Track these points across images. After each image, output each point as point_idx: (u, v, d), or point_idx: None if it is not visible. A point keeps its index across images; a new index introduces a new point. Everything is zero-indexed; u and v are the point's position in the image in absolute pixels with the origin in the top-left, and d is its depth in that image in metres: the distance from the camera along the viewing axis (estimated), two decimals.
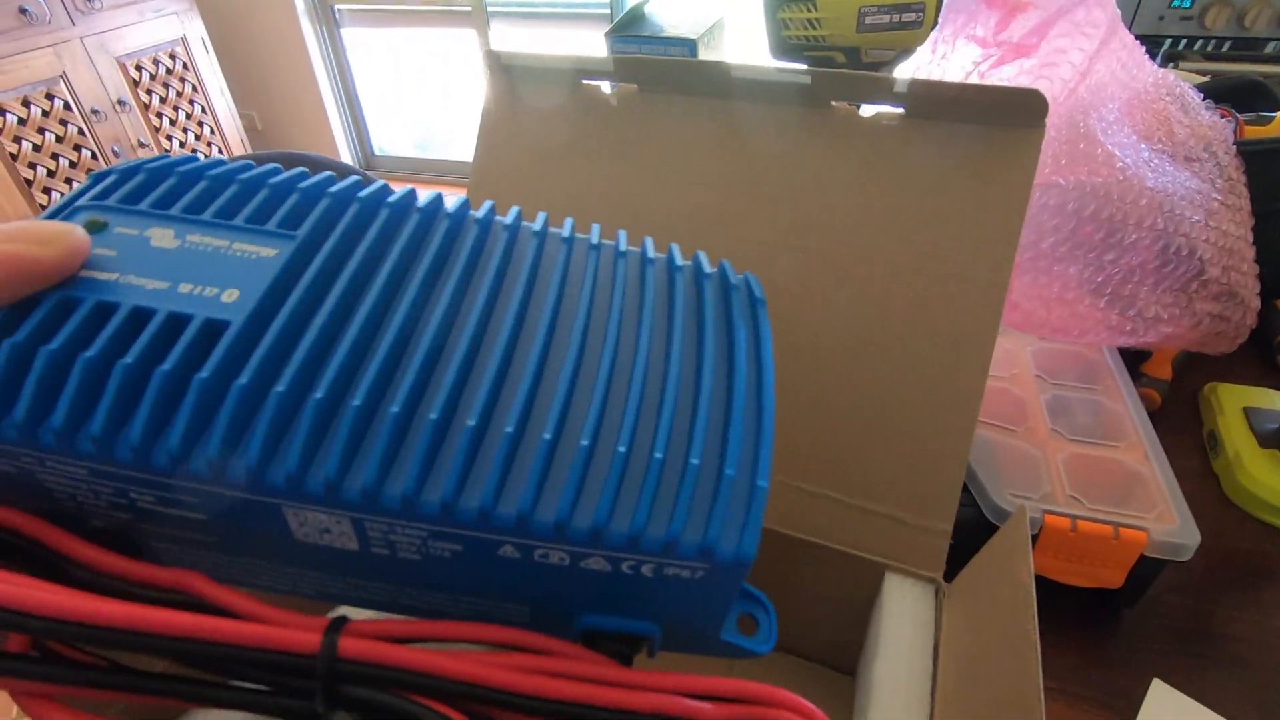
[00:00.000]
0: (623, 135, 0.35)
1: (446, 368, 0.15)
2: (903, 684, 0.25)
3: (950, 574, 0.29)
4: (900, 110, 0.30)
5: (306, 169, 0.19)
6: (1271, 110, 0.54)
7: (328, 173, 0.19)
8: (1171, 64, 0.91)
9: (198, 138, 2.03)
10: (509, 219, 0.19)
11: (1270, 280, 0.44)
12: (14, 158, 1.56)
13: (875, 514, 0.30)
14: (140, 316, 0.15)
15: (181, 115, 1.98)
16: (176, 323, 0.15)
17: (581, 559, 0.15)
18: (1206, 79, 0.66)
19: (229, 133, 2.11)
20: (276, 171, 0.18)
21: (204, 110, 2.03)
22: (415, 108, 2.46)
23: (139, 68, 1.84)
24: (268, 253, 0.16)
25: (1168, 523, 0.33)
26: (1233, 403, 0.46)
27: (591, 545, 0.14)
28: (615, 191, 0.35)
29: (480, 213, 0.19)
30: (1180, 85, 0.47)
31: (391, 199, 0.18)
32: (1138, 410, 0.41)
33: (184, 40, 1.94)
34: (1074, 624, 0.36)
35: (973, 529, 0.34)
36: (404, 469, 0.14)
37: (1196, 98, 0.48)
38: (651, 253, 0.20)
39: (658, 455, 0.15)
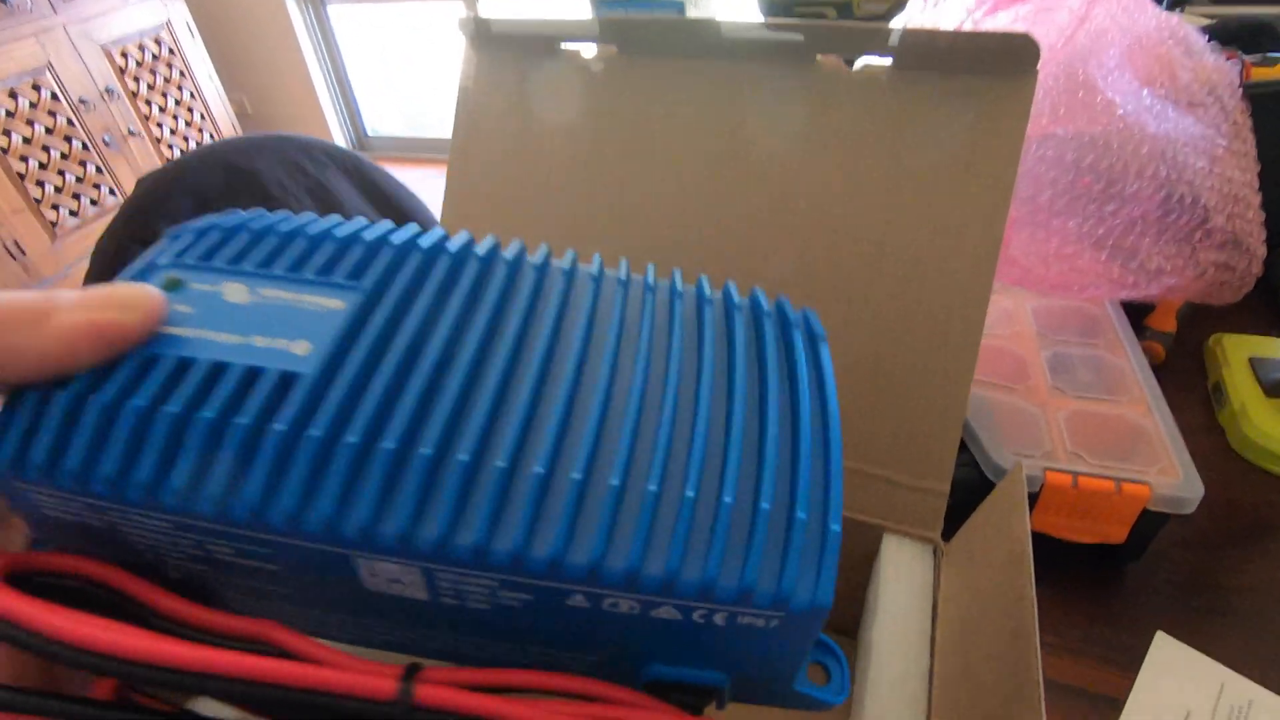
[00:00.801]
0: (607, 102, 0.34)
1: (511, 414, 0.15)
2: (902, 644, 0.25)
3: (951, 533, 0.28)
4: (888, 62, 0.29)
5: (365, 219, 0.19)
6: (1279, 51, 0.52)
7: (387, 223, 0.19)
8: (1179, 7, 0.88)
9: (188, 124, 2.01)
10: (565, 263, 0.20)
11: (1275, 227, 0.43)
12: (4, 151, 1.55)
13: (873, 476, 0.30)
14: (217, 371, 0.15)
15: (171, 102, 1.95)
16: (252, 376, 0.15)
17: (652, 608, 0.15)
18: (1212, 22, 0.64)
19: (219, 118, 2.09)
20: (341, 224, 0.19)
21: (193, 96, 2.01)
22: (406, 85, 2.43)
23: (125, 55, 1.81)
24: (335, 304, 0.17)
25: (1170, 476, 0.33)
26: (1238, 353, 0.45)
27: (663, 594, 0.14)
28: (601, 163, 0.34)
29: (537, 258, 0.19)
30: (1184, 28, 0.46)
31: (452, 247, 0.19)
32: (1140, 364, 0.40)
33: (168, 25, 1.91)
34: (1077, 580, 0.36)
35: (974, 489, 0.34)
36: (474, 519, 0.14)
37: (1201, 40, 0.46)
38: (709, 292, 0.20)
39: (727, 500, 0.15)
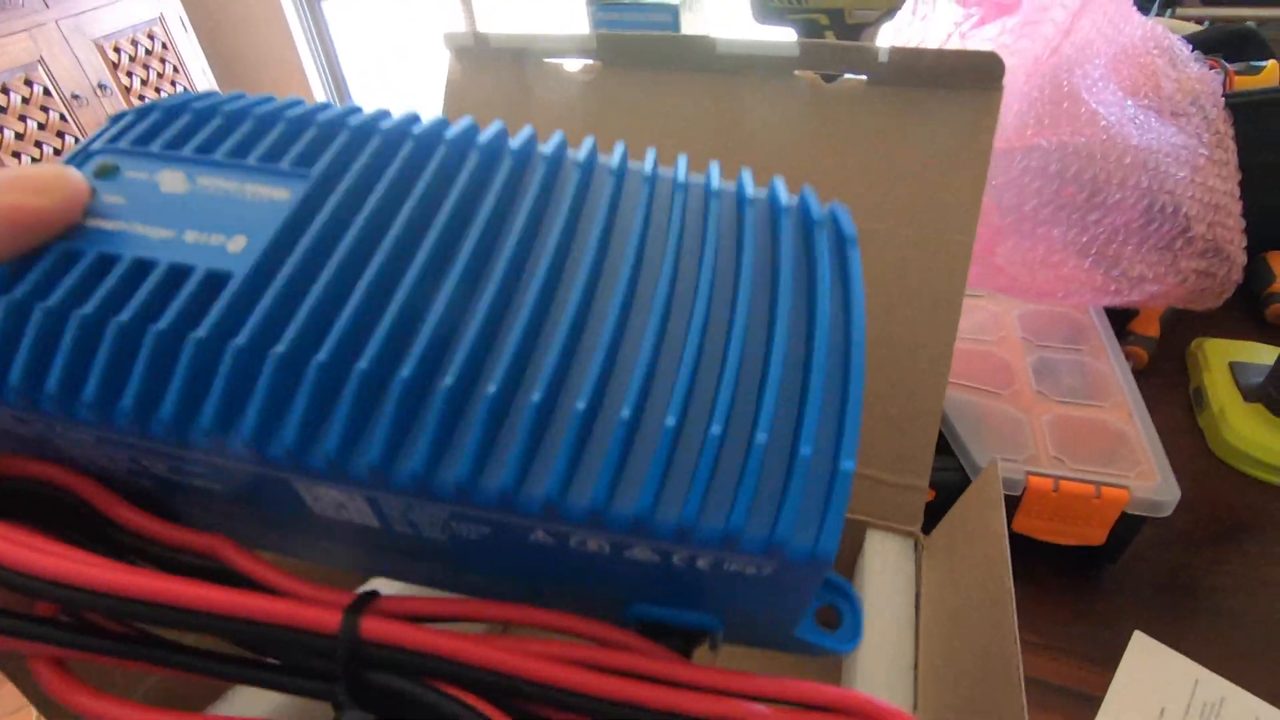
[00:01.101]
0: (595, 114, 0.35)
1: (468, 324, 0.14)
2: (888, 634, 0.26)
3: (931, 529, 0.29)
4: (864, 78, 0.30)
5: (330, 103, 0.17)
6: (1262, 59, 0.53)
7: (353, 104, 0.17)
8: (1169, 10, 0.89)
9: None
10: (549, 147, 0.17)
11: (1257, 234, 0.44)
12: None
13: (856, 474, 0.31)
14: (142, 269, 0.14)
15: (164, 96, 1.94)
16: (177, 275, 0.14)
17: (625, 549, 0.13)
18: (1202, 27, 0.65)
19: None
20: (298, 104, 0.17)
21: (186, 91, 2.00)
22: (401, 82, 2.42)
23: (117, 49, 1.80)
24: (280, 195, 0.15)
25: (1149, 480, 0.34)
26: (1219, 358, 0.46)
27: (634, 535, 0.13)
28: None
29: (517, 142, 0.17)
30: (1169, 37, 0.47)
31: (418, 129, 0.16)
32: (1123, 370, 0.41)
33: (161, 19, 1.90)
34: (1057, 581, 0.37)
35: (957, 492, 0.35)
36: (415, 445, 0.12)
37: (1185, 50, 0.47)
38: (716, 183, 0.17)
39: (715, 430, 0.13)
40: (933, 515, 0.31)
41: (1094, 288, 0.40)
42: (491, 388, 0.13)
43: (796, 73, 0.31)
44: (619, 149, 0.18)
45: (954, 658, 0.23)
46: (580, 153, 0.17)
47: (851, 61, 0.30)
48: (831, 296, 0.15)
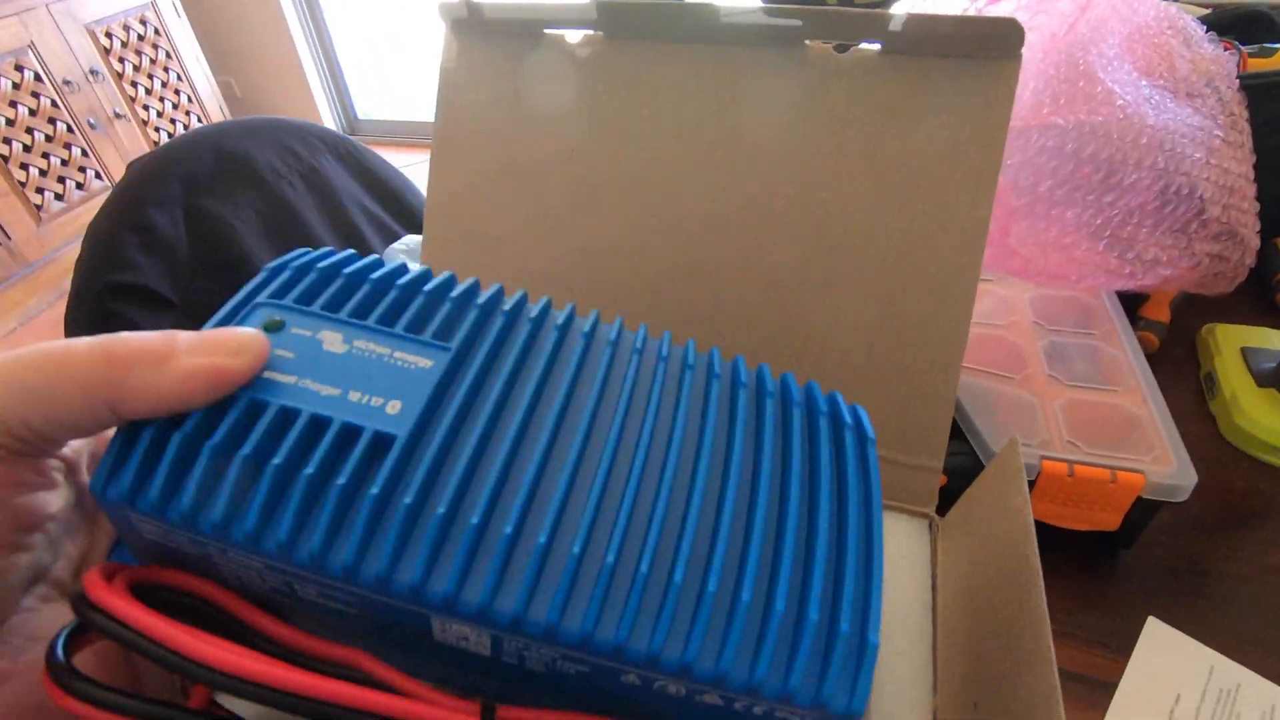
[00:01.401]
0: (595, 87, 0.34)
1: (586, 495, 0.16)
2: (904, 615, 0.26)
3: (946, 511, 0.29)
4: (877, 47, 0.29)
5: (454, 274, 0.20)
6: (1276, 42, 0.52)
7: (473, 280, 0.20)
8: None
9: (175, 106, 1.98)
10: (639, 340, 0.20)
11: (1269, 218, 0.44)
12: None
13: None
14: (318, 425, 0.16)
15: (157, 84, 1.92)
16: (349, 434, 0.16)
17: (699, 694, 0.16)
18: (1209, 11, 0.64)
19: (207, 100, 2.06)
20: (428, 277, 0.20)
21: (179, 78, 1.98)
22: (397, 68, 2.40)
23: (109, 35, 1.78)
24: (424, 363, 0.18)
25: (1165, 465, 0.33)
26: (1230, 343, 0.45)
27: (712, 687, 0.15)
28: (589, 150, 0.34)
29: (613, 332, 0.20)
30: (1183, 18, 0.46)
31: (533, 313, 0.20)
32: (1136, 354, 0.40)
33: (153, 4, 1.88)
34: (1070, 566, 0.36)
35: (970, 477, 0.34)
36: (547, 598, 0.15)
37: (1199, 30, 0.46)
38: (771, 385, 0.20)
39: (779, 607, 0.16)
40: (945, 501, 0.30)
41: (1108, 271, 0.40)
42: (609, 558, 0.16)
43: (807, 43, 0.30)
44: (690, 347, 0.21)
45: (976, 638, 0.22)
46: (662, 345, 0.21)
47: (864, 30, 0.29)
48: (859, 495, 0.18)
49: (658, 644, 0.15)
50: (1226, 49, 0.47)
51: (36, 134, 1.63)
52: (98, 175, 1.80)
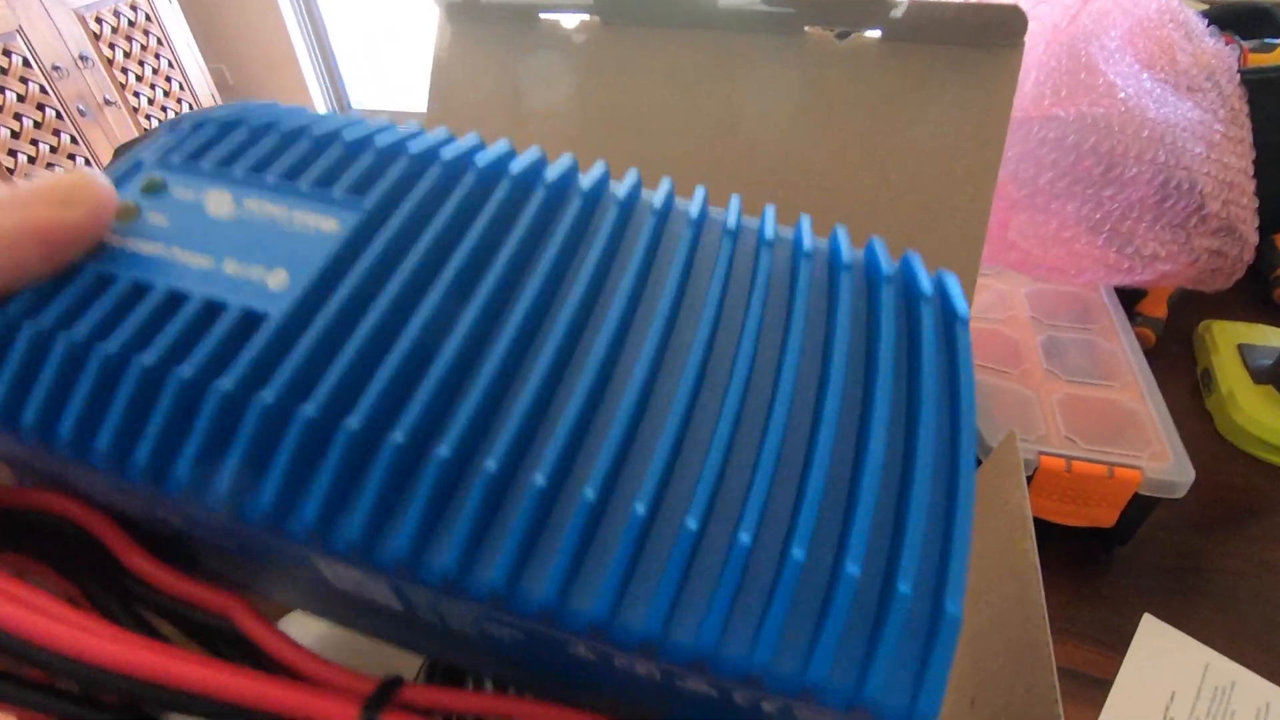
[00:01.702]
0: (591, 74, 0.33)
1: (517, 398, 0.12)
2: None
3: None
4: (878, 34, 0.29)
5: (393, 122, 0.16)
6: (1277, 37, 0.52)
7: (414, 125, 0.16)
8: None
9: (166, 93, 1.96)
10: (622, 190, 0.15)
11: (1267, 214, 0.43)
12: None
13: None
14: (174, 302, 0.13)
15: (148, 70, 1.90)
16: (210, 313, 0.13)
17: (677, 678, 0.12)
18: (1210, 6, 0.64)
19: (199, 88, 2.04)
20: (358, 124, 0.16)
21: (171, 64, 1.95)
22: (391, 56, 2.38)
23: (99, 20, 1.76)
24: (328, 225, 0.14)
25: (1162, 461, 0.33)
26: (1227, 340, 0.45)
27: (691, 669, 0.11)
28: (584, 140, 0.33)
29: (588, 182, 0.15)
30: (1184, 11, 0.46)
31: (482, 160, 0.15)
32: (1133, 349, 0.40)
33: None
34: (1065, 562, 0.36)
35: None
36: (448, 537, 0.11)
37: (1201, 24, 0.46)
38: (808, 242, 0.15)
39: (796, 554, 0.10)
40: None
41: (1106, 265, 0.39)
42: (539, 479, 0.11)
43: (806, 29, 0.30)
44: (698, 193, 0.16)
45: (971, 632, 0.22)
46: (657, 196, 0.15)
47: (864, 16, 0.28)
48: (939, 394, 0.12)
49: (602, 603, 0.10)
50: (1228, 43, 0.47)
51: (25, 120, 1.61)
52: (87, 163, 1.78)
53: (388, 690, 0.13)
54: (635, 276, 0.14)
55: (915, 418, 0.12)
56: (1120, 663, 0.31)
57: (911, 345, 0.13)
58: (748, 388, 0.12)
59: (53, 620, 0.12)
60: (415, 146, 0.15)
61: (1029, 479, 0.34)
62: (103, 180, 0.14)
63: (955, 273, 0.28)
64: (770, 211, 0.16)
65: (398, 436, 0.11)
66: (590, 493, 0.11)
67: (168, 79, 1.95)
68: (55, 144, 1.68)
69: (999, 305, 0.44)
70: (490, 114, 0.35)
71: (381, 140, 0.15)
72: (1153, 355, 0.46)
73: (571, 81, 0.33)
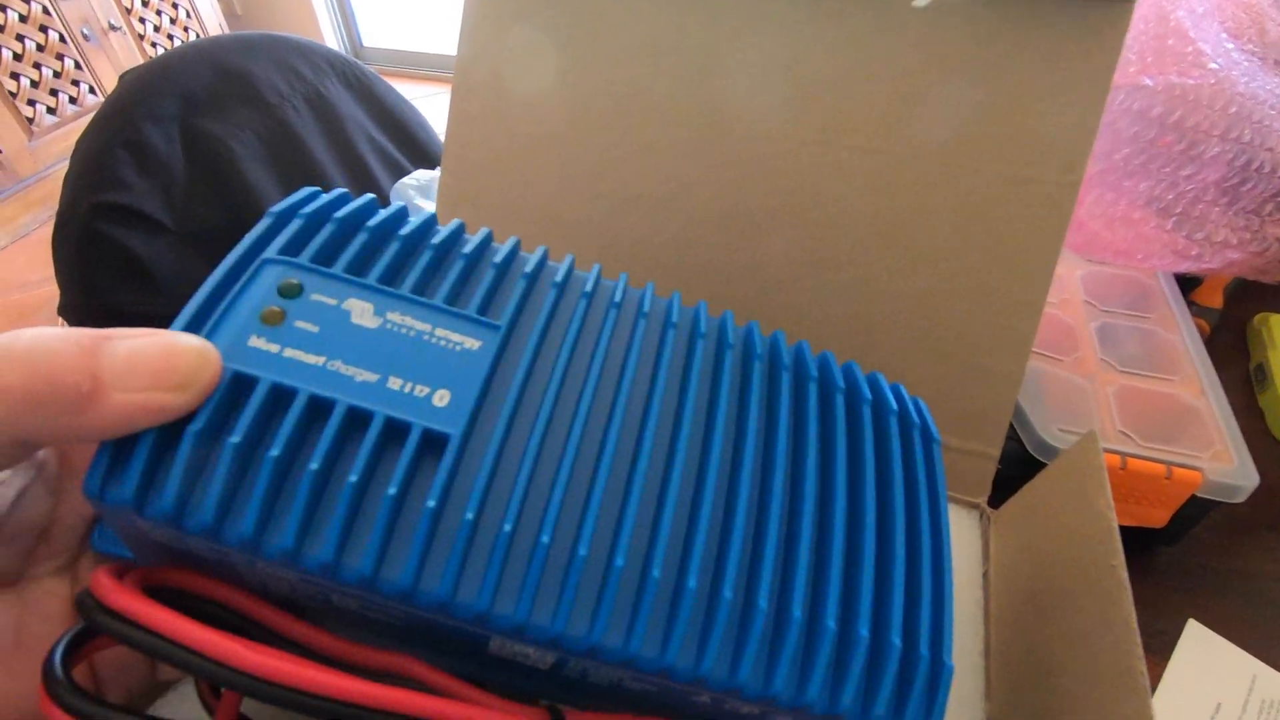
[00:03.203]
0: (635, 23, 0.30)
1: (662, 506, 0.15)
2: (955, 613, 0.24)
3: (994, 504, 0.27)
4: None
5: (489, 231, 0.18)
6: None
7: (514, 242, 0.18)
8: None
9: (173, 21, 1.89)
10: (701, 322, 0.18)
11: None
12: None
13: None
14: (357, 420, 0.14)
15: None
16: (394, 431, 0.14)
17: (776, 714, 0.15)
18: None
19: (206, 17, 1.96)
20: (460, 236, 0.18)
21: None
22: (418, 25, 2.29)
23: None
24: (470, 344, 0.16)
25: (1224, 463, 0.31)
26: None
27: (793, 713, 0.15)
28: (630, 90, 0.31)
29: (674, 312, 0.18)
30: None
31: (588, 288, 0.18)
32: (1193, 340, 0.38)
33: None
34: None
35: (1014, 463, 0.32)
36: (623, 625, 0.14)
37: None
38: (838, 377, 0.18)
39: (862, 633, 0.15)
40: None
41: (1174, 251, 0.37)
42: (691, 582, 0.14)
43: None
44: (755, 332, 0.19)
45: (1042, 645, 0.21)
46: (726, 327, 0.18)
47: None
48: (928, 499, 0.17)
49: (742, 673, 0.14)
50: None
51: (27, 42, 1.55)
52: (92, 90, 1.73)
53: (560, 712, 0.16)
54: (728, 405, 0.17)
55: (916, 523, 0.17)
56: (1164, 669, 0.30)
57: (907, 465, 0.18)
58: (817, 517, 0.16)
59: (261, 653, 0.13)
60: (528, 266, 0.17)
61: None
62: (215, 362, 0.14)
63: (1035, 249, 0.25)
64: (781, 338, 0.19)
65: (582, 549, 0.14)
66: (729, 593, 0.14)
67: (175, 5, 1.88)
68: (59, 69, 1.62)
69: (1053, 287, 0.42)
70: (526, 71, 0.32)
71: (498, 258, 0.17)
72: (1205, 346, 0.44)
73: (618, 29, 0.30)
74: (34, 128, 1.60)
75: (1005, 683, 0.21)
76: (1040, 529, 0.23)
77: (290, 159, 0.62)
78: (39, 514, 0.16)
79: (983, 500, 0.27)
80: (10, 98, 1.54)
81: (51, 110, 1.63)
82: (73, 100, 1.68)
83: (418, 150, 0.73)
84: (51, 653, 0.14)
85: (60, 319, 0.56)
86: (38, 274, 1.51)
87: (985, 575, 0.25)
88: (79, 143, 0.54)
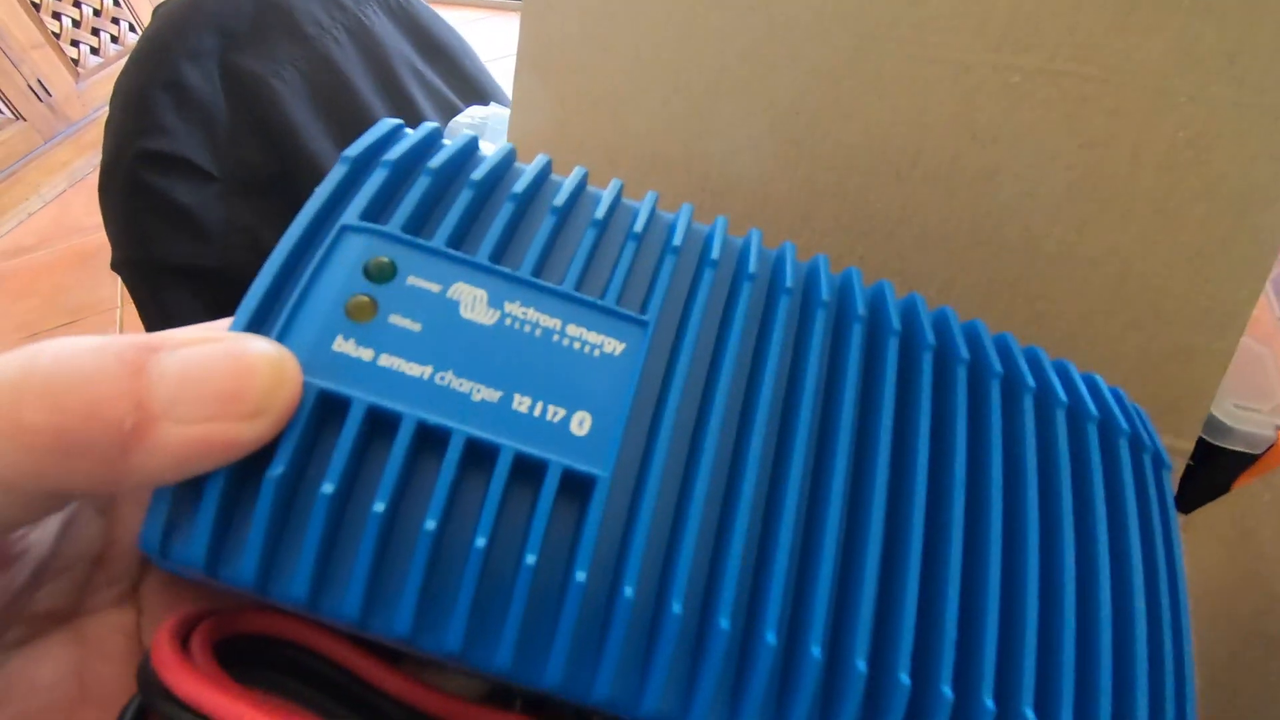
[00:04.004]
0: None
1: (859, 585, 0.12)
2: None
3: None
4: None
5: (619, 184, 0.15)
6: None
7: (650, 196, 0.15)
8: None
9: None
10: (892, 316, 0.14)
11: None
12: None
13: None
14: (477, 457, 0.11)
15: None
16: (526, 471, 0.11)
17: None
18: None
19: None
20: (586, 193, 0.14)
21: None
22: None
23: None
24: (613, 347, 0.12)
25: None
26: None
27: None
28: None
29: (859, 306, 0.14)
30: None
31: (752, 268, 0.14)
32: None
33: None
34: None
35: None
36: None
37: None
38: (1060, 390, 0.14)
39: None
40: None
41: None
42: (903, 678, 0.11)
43: None
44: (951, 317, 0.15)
45: (1234, 660, 0.17)
46: (920, 321, 0.15)
47: None
48: (1163, 545, 0.14)
49: None
50: None
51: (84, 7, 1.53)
52: (132, 28, 1.71)
53: None
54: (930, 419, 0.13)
55: (1155, 582, 0.13)
56: None
57: (1144, 501, 0.14)
58: (1011, 567, 0.13)
59: None
60: (677, 238, 0.14)
61: (1256, 458, 0.27)
62: (297, 375, 0.11)
63: (1266, 192, 0.20)
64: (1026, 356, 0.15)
65: (769, 638, 0.11)
66: (947, 691, 0.11)
67: None
68: (99, 6, 1.60)
69: None
70: None
71: (637, 225, 0.14)
72: None
73: None
74: (80, 69, 1.59)
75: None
76: (1265, 552, 0.19)
77: (334, 98, 0.59)
78: (90, 541, 0.14)
79: None
80: (54, 38, 1.53)
81: (95, 51, 1.61)
82: (114, 39, 1.66)
83: (466, 83, 0.69)
84: None
85: (116, 275, 0.55)
86: (95, 218, 1.53)
87: None
88: (117, 85, 0.51)
